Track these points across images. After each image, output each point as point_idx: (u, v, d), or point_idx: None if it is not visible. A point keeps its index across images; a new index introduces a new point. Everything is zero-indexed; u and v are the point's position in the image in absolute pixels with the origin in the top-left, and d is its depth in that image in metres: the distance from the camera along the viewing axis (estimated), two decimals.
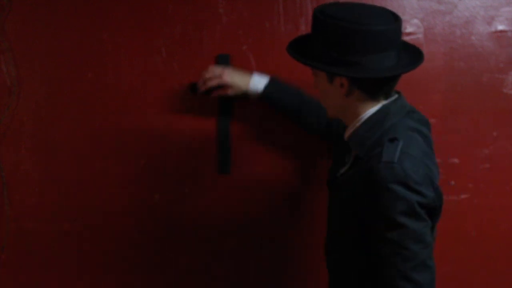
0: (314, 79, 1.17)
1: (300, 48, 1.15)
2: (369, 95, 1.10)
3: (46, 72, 1.58)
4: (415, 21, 1.55)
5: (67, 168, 1.61)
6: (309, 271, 1.63)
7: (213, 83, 1.45)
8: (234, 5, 1.54)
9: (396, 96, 1.14)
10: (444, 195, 1.61)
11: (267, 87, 1.43)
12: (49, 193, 1.62)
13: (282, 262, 1.65)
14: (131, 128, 1.59)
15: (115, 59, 1.57)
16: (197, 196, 1.62)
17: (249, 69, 1.55)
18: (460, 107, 1.58)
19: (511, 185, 1.62)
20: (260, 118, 1.58)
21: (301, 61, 1.11)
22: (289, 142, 1.59)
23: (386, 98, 1.12)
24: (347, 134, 1.17)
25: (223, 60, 1.54)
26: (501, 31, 1.56)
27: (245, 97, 1.47)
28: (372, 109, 1.11)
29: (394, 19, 1.07)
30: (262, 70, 1.56)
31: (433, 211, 1.05)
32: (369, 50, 1.04)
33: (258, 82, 1.44)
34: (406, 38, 1.54)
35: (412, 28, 1.55)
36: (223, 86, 1.45)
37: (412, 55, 1.14)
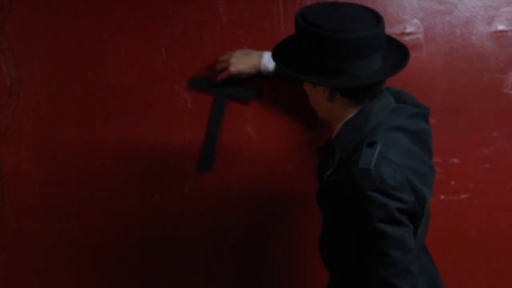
0: (304, 82, 1.17)
1: (285, 52, 1.14)
2: (352, 100, 1.10)
3: (46, 72, 1.58)
4: (415, 21, 1.55)
5: (67, 168, 1.61)
6: (309, 271, 1.63)
7: (220, 66, 1.47)
8: (234, 5, 1.54)
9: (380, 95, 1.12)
10: (444, 195, 1.62)
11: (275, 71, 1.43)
12: (49, 193, 1.62)
13: (282, 262, 1.65)
14: (131, 128, 1.59)
15: (115, 59, 1.57)
16: (197, 196, 1.62)
17: None
18: (460, 107, 1.58)
19: (511, 185, 1.62)
20: (260, 117, 1.58)
21: (281, 68, 1.10)
22: (289, 142, 1.59)
23: (371, 100, 1.10)
24: (333, 137, 1.17)
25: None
26: (501, 31, 1.56)
27: (260, 76, 1.47)
28: (353, 111, 1.10)
29: (376, 22, 1.04)
30: None
31: (414, 215, 1.04)
32: (349, 57, 1.03)
33: (268, 61, 1.43)
34: (406, 38, 1.54)
35: (412, 28, 1.55)
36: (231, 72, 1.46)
37: (398, 54, 1.11)
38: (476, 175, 1.61)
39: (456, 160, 1.60)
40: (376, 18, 1.05)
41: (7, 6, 1.54)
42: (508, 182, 1.61)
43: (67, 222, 1.63)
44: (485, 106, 1.58)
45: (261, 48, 1.55)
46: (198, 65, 1.57)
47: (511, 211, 1.62)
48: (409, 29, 1.55)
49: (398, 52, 1.12)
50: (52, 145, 1.60)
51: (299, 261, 1.64)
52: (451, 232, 1.62)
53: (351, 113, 1.11)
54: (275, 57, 1.14)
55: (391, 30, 1.51)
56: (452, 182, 1.61)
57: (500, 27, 1.55)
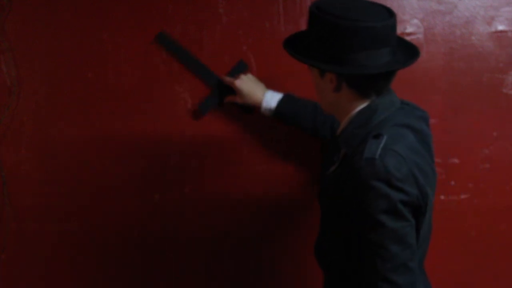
0: (310, 73, 1.17)
1: (296, 42, 1.14)
2: (358, 92, 1.09)
3: (46, 72, 1.58)
4: (415, 21, 1.55)
5: (67, 168, 1.61)
6: (309, 271, 1.63)
7: (226, 80, 1.49)
8: (234, 5, 1.54)
9: (386, 92, 1.12)
10: (444, 195, 1.62)
11: (280, 104, 1.43)
12: (49, 193, 1.62)
13: (282, 262, 1.65)
14: (131, 128, 1.59)
15: (115, 59, 1.57)
16: (197, 196, 1.62)
17: (249, 69, 1.56)
18: (460, 107, 1.58)
19: (511, 185, 1.62)
20: (260, 117, 1.58)
21: (289, 52, 1.11)
22: (289, 142, 1.59)
23: (377, 95, 1.10)
24: (338, 132, 1.17)
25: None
26: (501, 31, 1.56)
27: (251, 110, 1.51)
28: (360, 106, 1.10)
29: (388, 16, 1.05)
30: (262, 70, 1.56)
31: (418, 210, 1.04)
32: (359, 46, 1.03)
33: (271, 98, 1.44)
34: (406, 38, 1.54)
35: (412, 28, 1.55)
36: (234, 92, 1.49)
37: (408, 54, 1.12)
38: (476, 175, 1.61)
39: (456, 160, 1.60)
40: (388, 13, 1.06)
41: (7, 6, 1.54)
42: (508, 182, 1.61)
43: (67, 222, 1.63)
44: (485, 106, 1.58)
45: (261, 48, 1.55)
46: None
47: (511, 211, 1.62)
48: (409, 29, 1.55)
49: (407, 51, 1.12)
50: (52, 145, 1.60)
51: (299, 261, 1.64)
52: (451, 232, 1.62)
53: (357, 107, 1.11)
54: (285, 44, 1.14)
55: None
56: (452, 182, 1.61)
57: (500, 27, 1.55)
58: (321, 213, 1.23)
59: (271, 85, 1.57)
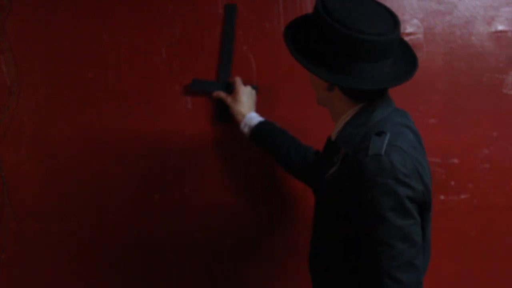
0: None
1: (297, 35, 1.13)
2: (350, 98, 1.10)
3: (46, 72, 1.58)
4: (415, 21, 1.55)
5: (67, 168, 1.61)
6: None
7: (236, 79, 1.51)
8: (236, 5, 1.54)
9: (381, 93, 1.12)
10: (444, 195, 1.62)
11: (260, 124, 1.44)
12: (49, 193, 1.62)
13: (282, 262, 1.65)
14: (131, 128, 1.59)
15: (115, 59, 1.57)
16: (197, 196, 1.62)
17: (249, 69, 1.56)
18: (460, 107, 1.58)
19: (511, 185, 1.62)
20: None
21: (290, 50, 1.09)
22: None
23: (372, 99, 1.10)
24: (334, 134, 1.16)
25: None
26: (501, 31, 1.56)
27: (228, 118, 1.53)
28: (356, 107, 1.10)
29: (393, 28, 1.03)
30: (262, 70, 1.56)
31: (423, 207, 1.04)
32: (360, 58, 1.02)
33: (255, 117, 1.46)
34: (406, 38, 1.54)
35: (412, 28, 1.55)
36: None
37: (407, 62, 1.11)
38: (476, 175, 1.61)
39: (456, 160, 1.60)
40: (394, 23, 1.05)
41: (7, 6, 1.54)
42: (508, 182, 1.61)
43: (67, 222, 1.63)
44: (485, 106, 1.58)
45: (261, 48, 1.55)
46: (198, 65, 1.57)
47: (511, 211, 1.62)
48: (409, 29, 1.55)
49: (407, 58, 1.12)
50: (52, 145, 1.60)
51: (299, 261, 1.64)
52: (451, 232, 1.62)
53: (350, 108, 1.11)
54: (286, 32, 1.13)
55: None
56: (452, 182, 1.61)
57: (500, 27, 1.55)
58: (316, 217, 1.23)
59: (271, 85, 1.57)
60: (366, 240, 1.01)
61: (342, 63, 1.03)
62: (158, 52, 1.57)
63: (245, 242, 1.64)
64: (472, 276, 1.65)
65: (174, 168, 1.61)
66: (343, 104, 1.12)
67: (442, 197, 1.61)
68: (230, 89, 1.52)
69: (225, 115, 1.56)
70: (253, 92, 1.52)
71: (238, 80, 1.51)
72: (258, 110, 1.53)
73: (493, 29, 1.55)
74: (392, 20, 1.06)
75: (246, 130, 1.46)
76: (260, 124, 1.45)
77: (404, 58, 1.12)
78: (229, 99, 1.50)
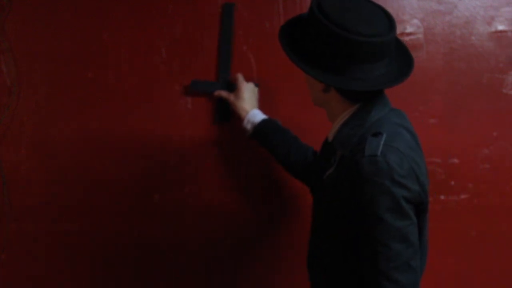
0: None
1: (291, 33, 1.12)
2: (347, 99, 1.10)
3: (46, 72, 1.58)
4: (415, 21, 1.55)
5: (67, 168, 1.61)
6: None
7: (237, 76, 1.50)
8: (235, 5, 1.54)
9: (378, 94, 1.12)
10: (444, 195, 1.62)
11: (263, 122, 1.43)
12: (49, 193, 1.62)
13: (282, 262, 1.65)
14: (131, 128, 1.59)
15: (115, 59, 1.57)
16: (197, 196, 1.62)
17: (249, 69, 1.56)
18: (460, 107, 1.58)
19: (511, 185, 1.62)
20: None
21: (285, 51, 1.09)
22: None
23: (368, 100, 1.10)
24: (331, 135, 1.16)
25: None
26: (501, 31, 1.56)
27: (228, 118, 1.53)
28: (353, 108, 1.11)
29: (389, 29, 1.04)
30: (262, 70, 1.56)
31: (420, 207, 1.04)
32: (356, 59, 1.02)
33: (258, 114, 1.45)
34: (406, 38, 1.54)
35: (412, 28, 1.55)
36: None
37: (403, 63, 1.11)
38: (476, 175, 1.61)
39: (456, 160, 1.60)
40: (390, 24, 1.05)
41: (7, 6, 1.54)
42: (508, 182, 1.61)
43: (67, 222, 1.63)
44: (485, 106, 1.58)
45: (261, 48, 1.55)
46: (198, 65, 1.57)
47: (511, 211, 1.62)
48: (409, 29, 1.55)
49: (402, 58, 1.12)
50: (52, 145, 1.60)
51: (299, 261, 1.64)
52: (451, 232, 1.62)
53: (347, 109, 1.11)
54: (281, 32, 1.13)
55: None
56: (452, 182, 1.61)
57: (500, 27, 1.55)
58: (314, 219, 1.23)
59: (271, 85, 1.57)
60: (365, 240, 1.01)
61: (338, 65, 1.03)
62: (158, 52, 1.57)
63: (245, 242, 1.64)
64: (472, 276, 1.65)
65: (174, 168, 1.61)
66: (339, 105, 1.12)
67: (442, 197, 1.61)
68: (231, 89, 1.52)
69: (225, 116, 1.56)
70: (256, 89, 1.52)
71: (240, 77, 1.50)
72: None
73: (493, 29, 1.55)
74: (388, 20, 1.06)
75: (249, 127, 1.45)
76: (263, 121, 1.44)
77: (400, 58, 1.12)
78: (231, 97, 1.49)
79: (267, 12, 1.54)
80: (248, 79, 1.54)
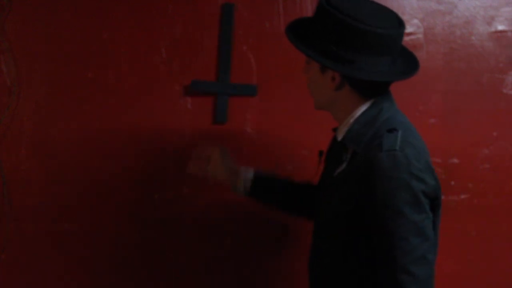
0: (306, 66, 1.16)
1: (299, 32, 1.13)
2: (360, 94, 1.10)
3: (46, 72, 1.58)
4: (415, 21, 1.55)
5: (67, 168, 1.61)
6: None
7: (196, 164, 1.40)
8: (234, 5, 1.54)
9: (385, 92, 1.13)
10: (444, 195, 1.62)
11: (256, 172, 1.35)
12: (49, 193, 1.62)
13: (283, 262, 1.65)
14: (131, 128, 1.59)
15: (115, 59, 1.57)
16: (197, 196, 1.62)
17: (249, 69, 1.56)
18: (460, 107, 1.58)
19: (511, 185, 1.62)
20: (260, 118, 1.58)
21: (296, 45, 1.09)
22: (289, 142, 1.59)
23: (379, 96, 1.11)
24: (340, 133, 1.16)
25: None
26: (501, 31, 1.56)
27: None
28: (363, 106, 1.11)
29: (398, 25, 1.06)
30: (262, 70, 1.56)
31: (435, 202, 1.04)
32: (366, 51, 1.04)
33: (245, 169, 1.35)
34: (406, 38, 1.54)
35: (412, 28, 1.55)
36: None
37: (408, 63, 1.13)
38: (476, 175, 1.61)
39: (456, 160, 1.60)
40: (398, 20, 1.07)
41: (7, 6, 1.54)
42: (508, 182, 1.62)
43: (67, 222, 1.63)
44: (485, 106, 1.58)
45: (261, 48, 1.55)
46: (198, 65, 1.57)
47: (511, 211, 1.62)
48: (409, 29, 1.55)
49: (407, 58, 1.14)
50: (52, 145, 1.60)
51: (299, 261, 1.64)
52: (451, 232, 1.62)
53: (357, 106, 1.11)
54: (288, 31, 1.12)
55: None
56: (452, 182, 1.61)
57: (500, 27, 1.56)
58: (316, 218, 1.23)
59: (271, 85, 1.57)
60: (380, 235, 1.01)
61: (349, 57, 1.04)
62: (158, 52, 1.57)
63: (245, 242, 1.64)
64: (472, 276, 1.65)
65: (174, 168, 1.61)
66: (350, 103, 1.12)
67: (442, 197, 1.60)
68: (231, 89, 1.52)
69: (225, 116, 1.56)
70: (223, 149, 1.39)
71: (214, 153, 1.38)
72: (258, 111, 1.53)
73: (493, 29, 1.55)
74: (396, 18, 1.08)
75: (247, 178, 1.35)
76: (256, 173, 1.36)
77: (403, 58, 1.13)
78: (213, 171, 1.37)
79: (267, 12, 1.54)
80: (248, 79, 1.54)
